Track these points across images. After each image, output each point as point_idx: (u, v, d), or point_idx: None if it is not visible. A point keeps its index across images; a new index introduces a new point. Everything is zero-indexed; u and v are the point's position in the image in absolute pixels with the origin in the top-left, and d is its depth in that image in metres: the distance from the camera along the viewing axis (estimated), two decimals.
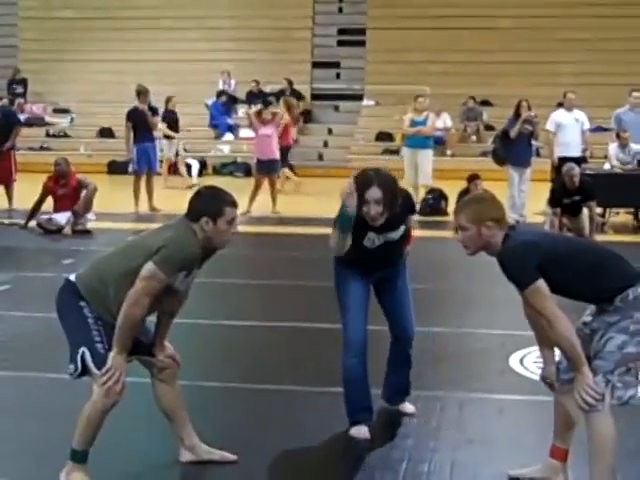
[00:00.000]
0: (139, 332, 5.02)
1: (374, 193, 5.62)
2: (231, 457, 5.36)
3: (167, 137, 21.14)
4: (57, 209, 14.47)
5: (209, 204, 4.96)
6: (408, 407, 6.36)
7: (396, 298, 6.18)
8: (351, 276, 5.98)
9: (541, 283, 4.69)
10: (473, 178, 14.96)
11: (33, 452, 5.53)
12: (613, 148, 16.31)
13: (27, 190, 15.82)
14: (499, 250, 4.84)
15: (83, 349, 4.88)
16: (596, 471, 4.74)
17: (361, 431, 5.86)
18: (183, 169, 21.78)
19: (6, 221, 15.31)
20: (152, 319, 5.16)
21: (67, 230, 14.05)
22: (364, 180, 5.69)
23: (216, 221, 4.92)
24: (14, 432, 5.94)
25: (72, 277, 5.06)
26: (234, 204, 5.02)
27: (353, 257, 5.91)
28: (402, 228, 5.99)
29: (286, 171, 20.36)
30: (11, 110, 18.88)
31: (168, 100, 21.08)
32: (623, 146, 16.10)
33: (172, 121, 21.03)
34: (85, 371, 4.91)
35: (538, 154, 18.96)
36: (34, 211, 14.47)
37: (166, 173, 21.24)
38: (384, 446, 5.65)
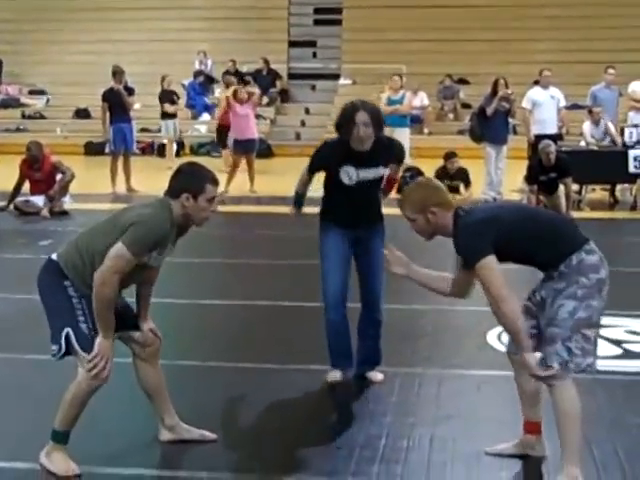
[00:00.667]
0: (121, 307, 5.02)
1: (362, 116, 6.06)
2: (211, 436, 5.37)
3: (166, 116, 21.08)
4: (33, 192, 14.40)
5: (190, 181, 4.93)
6: (377, 375, 6.47)
7: (369, 260, 6.39)
8: (332, 231, 6.33)
9: (491, 259, 4.73)
10: (450, 156, 15.00)
11: (14, 433, 5.53)
12: (587, 125, 16.37)
13: (3, 172, 15.77)
14: (453, 230, 4.91)
15: (67, 330, 4.86)
16: (566, 440, 4.80)
17: (335, 375, 6.34)
18: (173, 149, 21.63)
19: None
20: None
21: (45, 212, 13.99)
22: (352, 106, 6.15)
23: (197, 198, 4.89)
24: None
25: (54, 256, 5.03)
26: (215, 182, 5.01)
27: (333, 201, 6.35)
28: (381, 170, 6.30)
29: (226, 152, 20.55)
30: None
31: (163, 79, 21.07)
32: (596, 122, 16.17)
33: (169, 100, 20.99)
34: (69, 351, 4.89)
35: (515, 132, 19.00)
36: (14, 194, 14.39)
37: (171, 154, 21.13)
38: (363, 422, 5.67)
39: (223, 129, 19.14)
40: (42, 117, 26.90)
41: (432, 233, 5.06)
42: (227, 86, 19.79)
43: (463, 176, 14.84)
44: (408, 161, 17.50)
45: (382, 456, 5.20)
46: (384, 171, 6.38)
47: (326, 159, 6.36)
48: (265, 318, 8.29)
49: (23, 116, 26.88)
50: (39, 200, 14.18)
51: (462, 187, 14.84)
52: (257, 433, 5.60)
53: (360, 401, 6.06)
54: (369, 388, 5.70)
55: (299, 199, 6.68)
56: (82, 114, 26.16)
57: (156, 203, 4.97)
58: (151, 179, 18.39)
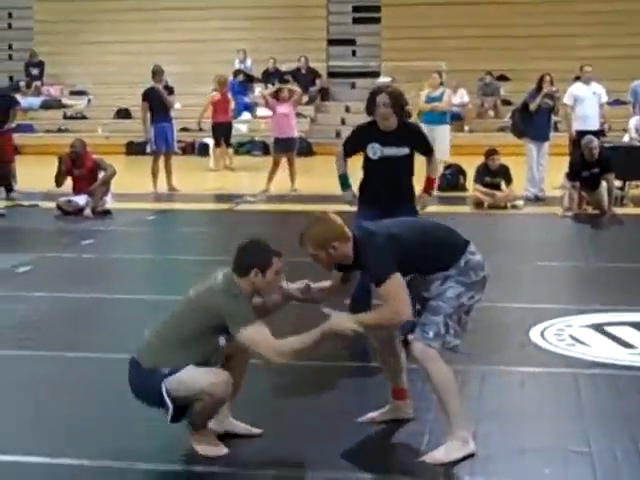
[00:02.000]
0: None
1: (382, 98, 7.18)
2: (256, 431, 5.40)
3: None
4: (75, 190, 14.51)
5: (257, 256, 5.14)
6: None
7: None
8: (364, 212, 7.18)
9: (397, 276, 4.99)
10: (491, 153, 14.91)
11: (54, 430, 5.56)
12: (633, 120, 16.24)
13: (45, 173, 15.88)
14: (354, 256, 5.13)
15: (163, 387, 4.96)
16: (450, 408, 5.08)
17: None
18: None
19: (25, 203, 15.37)
20: None
21: (87, 212, 14.06)
22: (375, 89, 7.46)
23: (265, 272, 5.11)
24: (35, 410, 5.97)
25: (135, 356, 5.11)
26: (279, 254, 5.21)
27: (366, 179, 7.41)
28: (404, 150, 7.28)
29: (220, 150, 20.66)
30: (7, 92, 18.74)
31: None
32: None
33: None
34: (179, 414, 5.01)
35: (556, 128, 18.88)
36: (58, 177, 14.52)
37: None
38: (405, 420, 5.65)
39: (215, 125, 20.05)
40: (83, 117, 27.10)
41: (335, 264, 5.25)
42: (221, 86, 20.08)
43: (504, 173, 14.75)
44: (448, 159, 17.55)
45: (425, 452, 5.18)
46: (407, 151, 7.32)
47: (357, 138, 7.53)
48: (305, 314, 8.27)
49: (65, 117, 27.09)
50: (81, 200, 14.26)
51: (503, 184, 14.76)
52: (299, 427, 5.59)
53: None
54: (411, 384, 5.67)
55: (345, 180, 7.67)
56: (123, 114, 26.32)
57: (225, 282, 5.10)
58: (192, 179, 18.55)
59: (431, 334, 5.07)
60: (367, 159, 7.41)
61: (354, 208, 7.61)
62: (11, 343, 7.48)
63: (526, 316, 8.07)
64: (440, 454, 5.03)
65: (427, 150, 7.68)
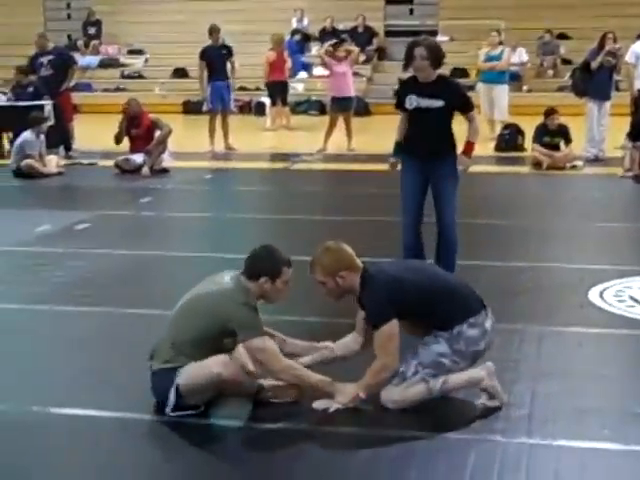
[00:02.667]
0: None
1: (419, 50, 7.34)
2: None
3: None
4: (132, 150, 14.59)
5: (268, 264, 5.21)
6: None
7: (439, 187, 7.62)
8: (407, 164, 7.68)
9: (393, 324, 5.09)
10: (550, 113, 14.71)
11: (113, 384, 5.61)
12: None
13: (103, 131, 15.99)
14: (360, 292, 5.23)
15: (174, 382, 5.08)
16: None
17: None
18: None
19: (84, 161, 15.47)
20: None
21: (145, 170, 14.13)
22: (413, 42, 7.47)
23: (275, 281, 5.20)
24: (95, 365, 6.05)
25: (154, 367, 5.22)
26: (290, 264, 5.27)
27: (407, 131, 7.64)
28: (439, 102, 7.41)
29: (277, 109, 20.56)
30: (65, 51, 18.81)
31: None
32: None
33: None
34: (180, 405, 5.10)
35: (617, 88, 18.57)
36: (119, 135, 14.63)
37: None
38: None
39: (271, 84, 19.91)
40: (141, 77, 27.16)
41: (341, 294, 5.33)
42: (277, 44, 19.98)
43: (563, 133, 14.57)
44: (507, 118, 17.39)
45: (482, 412, 5.17)
46: (441, 104, 7.43)
47: (400, 92, 7.77)
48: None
49: (122, 76, 27.17)
50: (139, 158, 14.34)
51: (562, 144, 14.59)
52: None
53: None
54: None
55: (396, 148, 7.86)
56: (180, 73, 26.34)
57: (234, 287, 5.16)
58: (249, 138, 18.56)
59: (400, 369, 5.18)
60: (406, 110, 7.58)
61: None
62: (70, 299, 7.56)
63: (585, 277, 7.99)
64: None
65: (465, 106, 7.67)
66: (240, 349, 5.16)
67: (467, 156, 7.75)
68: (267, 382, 5.32)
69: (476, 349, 5.25)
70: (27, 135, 14.14)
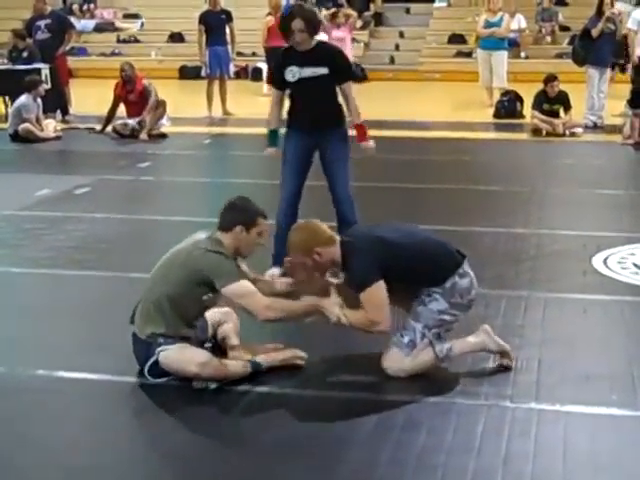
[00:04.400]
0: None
1: (297, 23, 6.81)
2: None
3: None
4: (129, 115, 14.52)
5: (244, 214, 5.20)
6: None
7: (329, 165, 7.11)
8: (292, 138, 7.09)
9: (379, 285, 5.02)
10: (550, 79, 14.63)
11: (117, 348, 5.56)
12: None
13: (99, 95, 15.89)
14: (344, 262, 5.14)
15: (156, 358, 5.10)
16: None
17: (274, 271, 6.76)
18: None
19: (81, 126, 15.39)
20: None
21: (143, 135, 14.08)
22: (289, 15, 6.91)
23: (249, 230, 5.18)
24: (99, 328, 6.05)
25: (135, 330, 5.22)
26: (265, 216, 5.27)
27: (291, 105, 7.13)
28: (321, 70, 6.90)
29: None
30: (62, 15, 18.64)
31: None
32: None
33: None
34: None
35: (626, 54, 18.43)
36: (109, 118, 14.54)
37: None
38: None
39: (269, 50, 18.95)
40: (137, 41, 26.99)
41: (323, 271, 5.28)
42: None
43: (563, 100, 14.50)
44: (505, 85, 17.31)
45: (490, 377, 5.17)
46: (325, 71, 6.92)
47: (278, 65, 7.11)
48: None
49: (118, 40, 27.00)
50: (135, 122, 14.29)
51: (562, 111, 14.54)
52: (343, 362, 5.58)
53: (463, 323, 5.97)
54: (475, 309, 5.61)
55: (273, 137, 7.38)
56: (176, 38, 26.19)
57: (209, 241, 5.15)
58: (246, 103, 18.45)
59: (406, 339, 5.12)
60: (288, 84, 7.01)
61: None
62: (71, 263, 7.55)
63: (588, 244, 7.97)
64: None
65: (346, 73, 7.13)
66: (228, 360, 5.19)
67: (365, 141, 7.25)
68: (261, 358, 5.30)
69: (470, 297, 5.25)
70: (24, 99, 14.06)
